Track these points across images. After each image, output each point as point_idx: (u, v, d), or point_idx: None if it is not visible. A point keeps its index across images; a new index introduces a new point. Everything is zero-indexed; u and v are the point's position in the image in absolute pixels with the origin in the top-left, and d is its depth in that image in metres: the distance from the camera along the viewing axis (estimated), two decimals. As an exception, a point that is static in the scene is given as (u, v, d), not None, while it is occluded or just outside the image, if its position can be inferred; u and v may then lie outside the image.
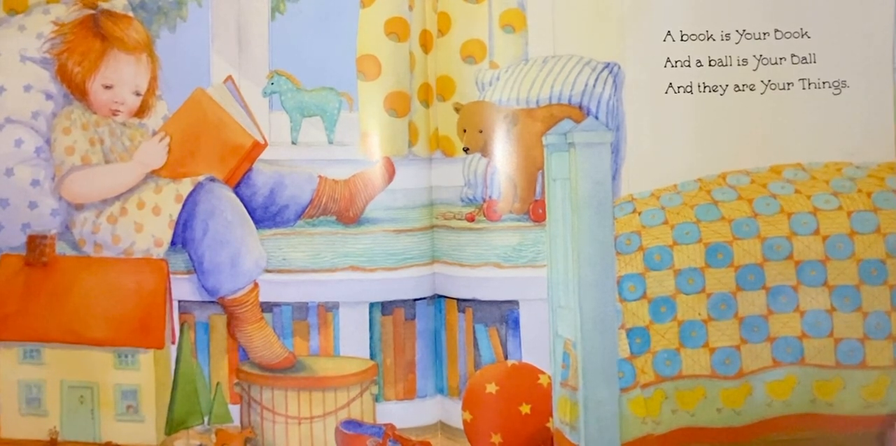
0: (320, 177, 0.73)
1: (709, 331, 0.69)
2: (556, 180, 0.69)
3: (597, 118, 0.70)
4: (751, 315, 0.69)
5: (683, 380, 0.69)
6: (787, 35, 0.70)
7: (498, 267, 0.70)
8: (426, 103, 0.73)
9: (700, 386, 0.69)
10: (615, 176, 0.69)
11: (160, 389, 0.73)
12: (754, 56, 0.70)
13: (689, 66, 0.69)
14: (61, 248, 0.73)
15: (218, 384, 0.73)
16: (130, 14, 0.73)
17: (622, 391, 0.68)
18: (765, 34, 0.70)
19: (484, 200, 0.71)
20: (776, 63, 0.70)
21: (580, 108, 0.70)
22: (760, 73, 0.70)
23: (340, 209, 0.72)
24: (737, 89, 0.70)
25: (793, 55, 0.70)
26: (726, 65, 0.70)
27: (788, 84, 0.70)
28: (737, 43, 0.70)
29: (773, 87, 0.70)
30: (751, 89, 0.70)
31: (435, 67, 0.73)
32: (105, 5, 0.73)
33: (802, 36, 0.70)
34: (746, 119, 0.70)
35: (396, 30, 0.71)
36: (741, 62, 0.70)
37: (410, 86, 0.72)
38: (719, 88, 0.70)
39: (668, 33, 0.69)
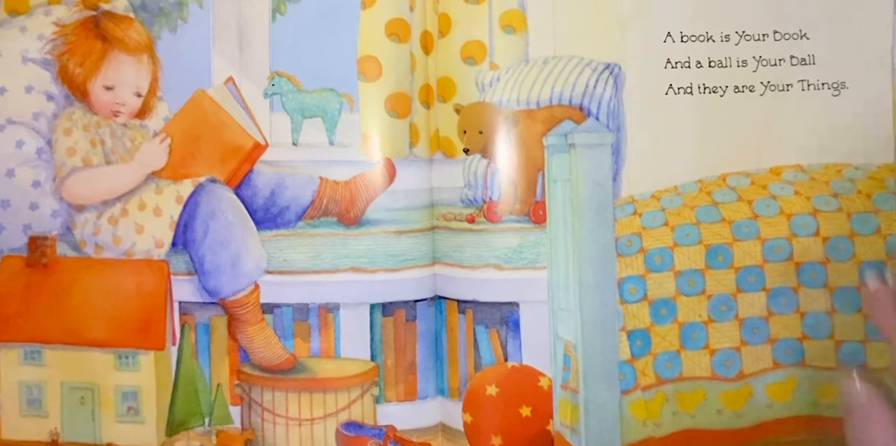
0: (321, 178, 0.73)
1: (709, 333, 0.69)
2: (557, 181, 0.69)
3: (597, 119, 0.70)
4: (751, 316, 0.69)
5: (684, 382, 0.69)
6: (787, 36, 0.70)
7: (498, 268, 0.70)
8: (427, 104, 0.73)
9: (700, 388, 0.69)
10: (616, 177, 0.69)
11: (161, 390, 0.73)
12: (754, 57, 0.70)
13: (689, 67, 0.69)
14: (62, 249, 0.73)
15: (218, 385, 0.73)
16: (131, 15, 0.73)
17: (623, 393, 0.68)
18: (764, 35, 0.70)
19: (484, 201, 0.71)
20: (776, 64, 0.70)
21: (581, 108, 0.70)
22: (760, 74, 0.70)
23: (341, 210, 0.72)
24: (736, 90, 0.70)
25: (792, 56, 0.70)
26: (726, 66, 0.70)
27: (788, 85, 0.70)
28: (736, 44, 0.70)
29: (772, 88, 0.70)
30: (750, 90, 0.70)
31: (435, 68, 0.73)
32: (106, 6, 0.73)
33: (802, 37, 0.70)
34: (746, 120, 0.70)
35: (397, 31, 0.72)
36: (741, 63, 0.70)
37: (411, 87, 0.72)
38: (719, 89, 0.70)
39: (669, 34, 0.69)
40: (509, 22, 0.71)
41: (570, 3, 0.70)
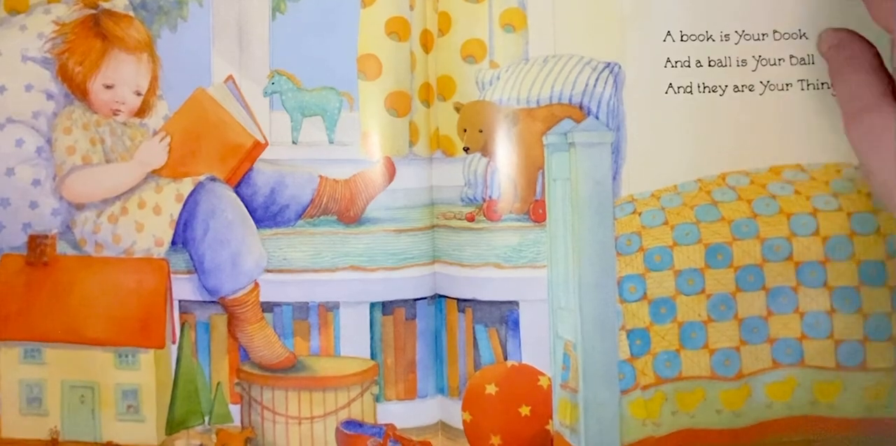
0: (321, 176, 0.73)
1: (709, 333, 0.69)
2: (557, 180, 0.69)
3: (597, 118, 0.70)
4: (750, 316, 0.69)
5: (683, 382, 0.69)
6: (786, 36, 0.70)
7: (498, 267, 0.70)
8: (427, 103, 0.73)
9: (700, 388, 0.69)
10: (615, 176, 0.69)
11: (161, 389, 0.73)
12: (753, 57, 0.70)
13: (688, 66, 0.69)
14: (62, 248, 0.73)
15: (218, 384, 0.73)
16: (131, 14, 0.73)
17: (622, 393, 0.68)
18: (764, 35, 0.70)
19: (484, 200, 0.71)
20: (775, 64, 0.70)
21: (580, 107, 0.70)
22: (760, 73, 0.70)
23: (341, 209, 0.72)
24: (736, 90, 0.70)
25: (792, 56, 0.70)
26: (726, 65, 0.70)
27: (787, 85, 0.70)
28: (736, 43, 0.70)
29: (772, 87, 0.70)
30: (750, 90, 0.70)
31: (435, 67, 0.73)
32: (106, 5, 0.73)
33: (801, 37, 0.70)
34: (746, 120, 0.70)
35: (397, 29, 0.72)
36: (740, 63, 0.70)
37: (411, 85, 0.72)
38: (719, 89, 0.70)
39: (669, 33, 0.69)
40: (509, 20, 0.71)
41: (571, 2, 0.70)
